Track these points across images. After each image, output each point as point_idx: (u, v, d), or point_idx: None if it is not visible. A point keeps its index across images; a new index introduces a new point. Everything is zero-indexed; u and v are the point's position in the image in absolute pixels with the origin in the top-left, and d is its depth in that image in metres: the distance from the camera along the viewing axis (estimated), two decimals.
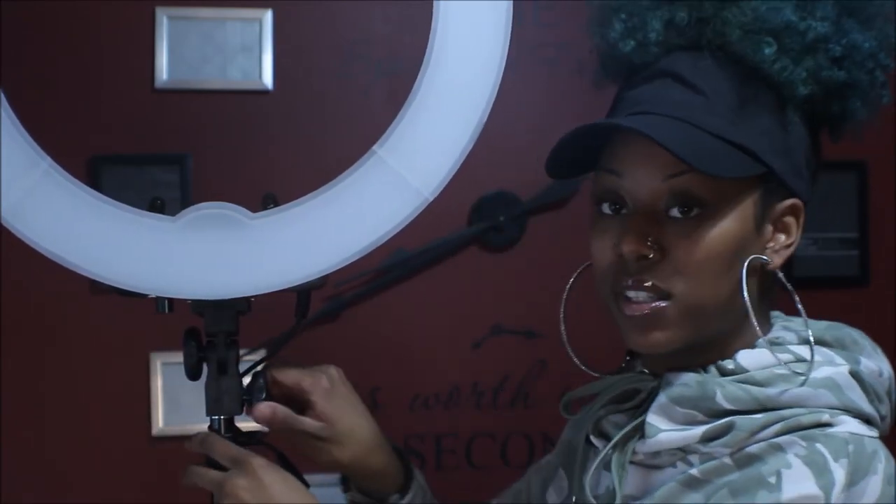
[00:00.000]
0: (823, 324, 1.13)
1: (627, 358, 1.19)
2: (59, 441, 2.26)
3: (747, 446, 1.02)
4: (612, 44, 1.11)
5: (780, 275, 1.08)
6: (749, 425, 1.01)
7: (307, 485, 1.17)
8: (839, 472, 0.98)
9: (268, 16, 2.34)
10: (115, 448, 2.27)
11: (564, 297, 1.17)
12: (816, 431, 1.01)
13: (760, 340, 1.08)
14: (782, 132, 1.04)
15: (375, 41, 2.38)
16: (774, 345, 1.08)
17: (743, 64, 1.05)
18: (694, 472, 1.04)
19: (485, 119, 1.07)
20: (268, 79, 2.34)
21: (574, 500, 1.17)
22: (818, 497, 0.96)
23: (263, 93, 2.35)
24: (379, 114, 2.26)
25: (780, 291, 1.10)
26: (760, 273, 1.07)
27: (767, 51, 1.03)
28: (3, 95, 1.04)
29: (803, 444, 1.00)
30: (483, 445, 2.38)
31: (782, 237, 1.07)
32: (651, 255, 1.02)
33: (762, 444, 1.01)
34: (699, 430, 1.03)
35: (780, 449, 1.00)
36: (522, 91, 2.33)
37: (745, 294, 1.02)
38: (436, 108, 1.06)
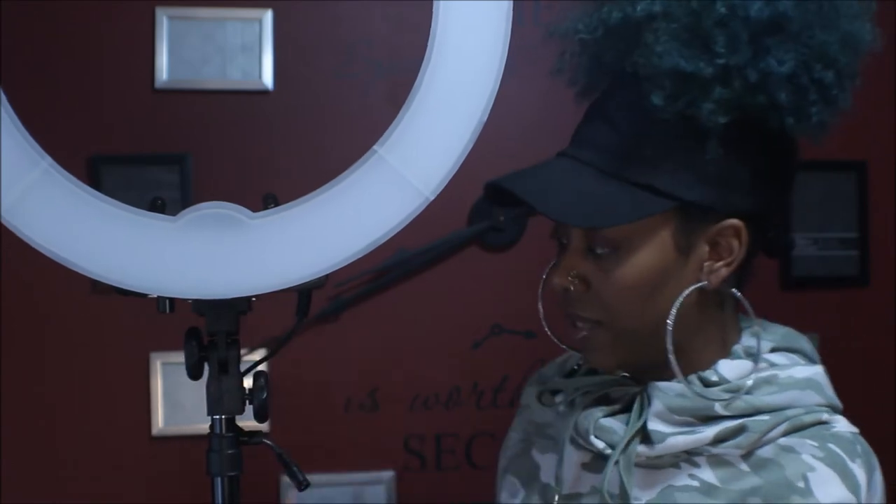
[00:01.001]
0: (781, 330, 1.18)
1: None
2: (60, 441, 2.26)
3: (757, 448, 1.06)
4: (566, 79, 1.21)
5: (736, 292, 1.13)
6: (760, 427, 1.05)
7: (308, 483, 1.17)
8: (860, 474, 1.03)
9: (268, 16, 2.34)
10: (115, 448, 2.27)
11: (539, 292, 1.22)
12: (823, 430, 1.07)
13: (738, 349, 1.13)
14: (707, 161, 1.06)
15: (375, 41, 2.38)
16: (750, 355, 1.13)
17: None
18: (711, 479, 1.07)
19: (485, 118, 1.07)
20: (268, 79, 2.34)
21: (557, 499, 1.18)
22: (852, 501, 1.02)
23: (263, 93, 2.35)
24: (379, 114, 2.26)
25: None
26: (709, 292, 1.11)
27: (655, 100, 1.05)
28: (2, 94, 1.03)
29: (815, 443, 1.05)
30: (483, 445, 2.38)
31: (720, 256, 1.11)
32: (572, 289, 1.11)
33: (772, 446, 1.05)
34: (710, 433, 1.06)
35: (793, 451, 1.05)
36: (522, 91, 2.33)
37: (670, 325, 1.08)
38: (436, 107, 1.06)
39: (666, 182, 1.06)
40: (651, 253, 1.08)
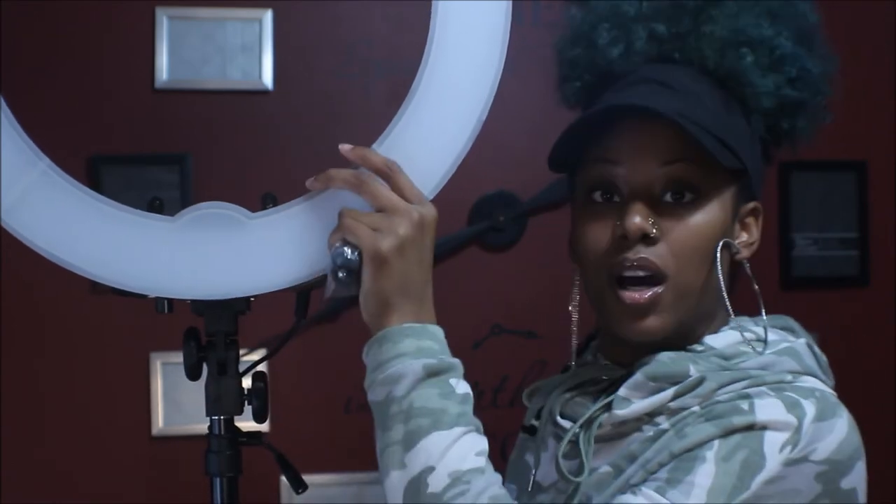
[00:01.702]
0: (773, 317, 1.18)
1: (583, 349, 1.24)
2: (59, 441, 2.26)
3: (715, 398, 1.06)
4: (601, 49, 1.16)
5: (747, 265, 1.15)
6: (718, 378, 1.06)
7: (305, 486, 1.16)
8: (809, 407, 1.02)
9: (268, 16, 2.34)
10: (115, 448, 2.28)
11: (574, 294, 1.19)
12: (783, 384, 1.06)
13: (724, 326, 1.14)
14: (749, 139, 1.12)
15: (375, 41, 2.38)
16: (735, 328, 1.14)
17: (715, 76, 1.12)
18: (664, 426, 1.07)
19: (483, 119, 1.07)
20: (268, 79, 2.34)
21: (533, 477, 1.18)
22: (792, 422, 1.01)
23: (263, 93, 2.35)
24: (379, 114, 2.24)
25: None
26: (729, 265, 1.13)
27: (749, 59, 1.10)
28: (0, 96, 1.03)
29: (772, 393, 1.05)
30: None
31: (745, 235, 1.15)
32: (653, 233, 1.07)
33: (730, 394, 1.06)
34: (671, 391, 1.07)
35: (747, 396, 1.04)
36: (522, 91, 2.33)
37: (720, 272, 1.09)
38: (434, 107, 1.06)
39: (739, 148, 1.10)
40: (720, 209, 1.10)
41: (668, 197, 1.08)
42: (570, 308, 1.19)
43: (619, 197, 1.10)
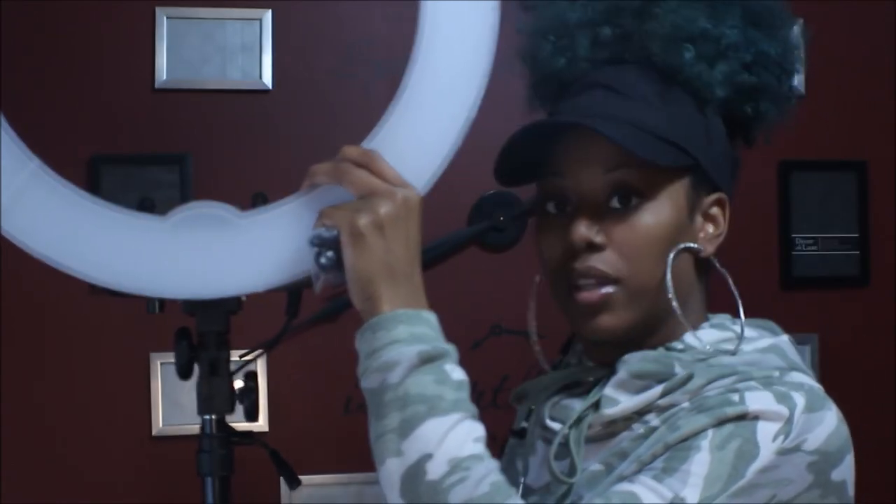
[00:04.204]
0: (757, 320, 1.20)
1: (563, 354, 1.27)
2: (59, 441, 2.26)
3: (705, 394, 1.07)
4: (544, 63, 1.20)
5: (715, 261, 1.16)
6: (707, 374, 1.08)
7: (299, 482, 1.17)
8: (799, 398, 1.04)
9: (268, 16, 2.34)
10: (115, 448, 2.28)
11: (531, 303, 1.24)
12: (771, 378, 1.07)
13: (704, 323, 1.16)
14: (704, 131, 1.13)
15: (375, 41, 2.38)
16: (715, 326, 1.16)
17: (664, 72, 1.14)
18: (655, 423, 1.08)
19: (473, 115, 1.08)
20: (268, 79, 2.34)
21: (523, 481, 1.18)
22: (783, 412, 1.02)
23: (263, 93, 2.35)
24: (379, 114, 2.25)
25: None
26: (696, 261, 1.15)
27: (687, 55, 1.12)
28: None
29: (760, 386, 1.06)
30: None
31: (711, 227, 1.16)
32: (597, 241, 1.10)
33: (720, 389, 1.07)
34: (659, 388, 1.08)
35: (737, 390, 1.06)
36: (523, 91, 2.33)
37: (669, 278, 1.10)
38: (424, 105, 1.07)
39: (687, 143, 1.11)
40: (669, 208, 1.11)
41: (615, 203, 1.11)
42: (528, 316, 1.24)
43: (571, 207, 1.12)
